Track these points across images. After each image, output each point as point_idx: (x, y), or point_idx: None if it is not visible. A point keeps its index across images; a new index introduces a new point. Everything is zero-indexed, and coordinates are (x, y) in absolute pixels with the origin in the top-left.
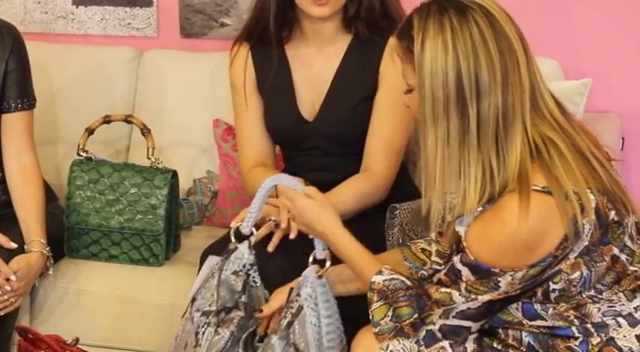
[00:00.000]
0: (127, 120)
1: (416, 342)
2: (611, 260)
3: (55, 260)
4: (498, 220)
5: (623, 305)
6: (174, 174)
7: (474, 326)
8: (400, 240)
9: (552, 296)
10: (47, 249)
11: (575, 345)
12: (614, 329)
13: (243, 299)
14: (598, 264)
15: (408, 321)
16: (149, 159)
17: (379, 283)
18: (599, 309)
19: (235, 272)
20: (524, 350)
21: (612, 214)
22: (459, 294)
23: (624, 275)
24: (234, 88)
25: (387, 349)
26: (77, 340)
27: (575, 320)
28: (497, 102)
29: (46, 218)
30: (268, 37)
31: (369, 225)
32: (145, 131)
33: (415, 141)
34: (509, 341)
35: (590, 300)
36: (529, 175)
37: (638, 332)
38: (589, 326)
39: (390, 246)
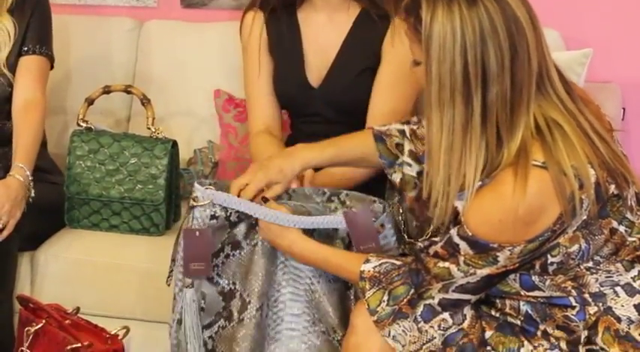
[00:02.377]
0: (127, 90)
1: (414, 320)
2: (610, 232)
3: (55, 230)
4: (497, 196)
5: (621, 275)
6: (174, 143)
7: (473, 298)
8: (400, 210)
9: (550, 268)
10: (27, 174)
11: (573, 314)
12: (611, 299)
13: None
14: (596, 237)
15: (405, 300)
16: (149, 129)
17: (369, 271)
18: (597, 279)
19: (213, 217)
20: (522, 318)
21: (612, 188)
22: (458, 269)
23: (623, 246)
24: (248, 52)
25: (389, 335)
26: (78, 309)
27: (573, 291)
28: (505, 90)
29: (48, 187)
30: (282, 3)
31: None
32: (145, 101)
33: (420, 103)
34: (507, 309)
35: (587, 272)
36: (529, 152)
37: (636, 302)
38: (586, 295)
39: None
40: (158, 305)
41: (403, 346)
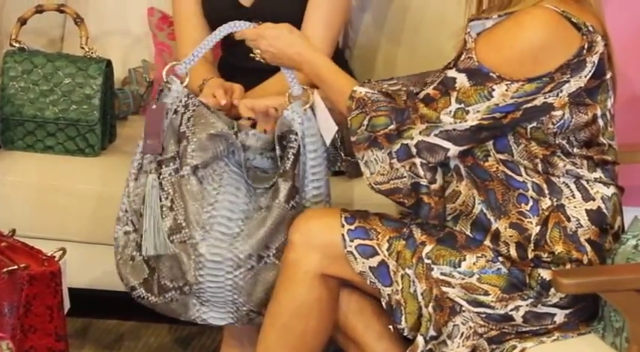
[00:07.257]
0: (60, 9)
1: (388, 154)
2: (592, 118)
3: None
4: (517, 24)
5: (585, 171)
6: (109, 63)
7: (453, 149)
8: None
9: (529, 127)
10: None
11: (527, 210)
12: (566, 198)
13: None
14: (580, 114)
15: (382, 132)
16: (83, 48)
17: (361, 92)
18: (565, 165)
19: (175, 112)
20: (475, 217)
21: (608, 75)
22: (448, 114)
23: (595, 143)
24: None
25: (362, 159)
26: (14, 231)
27: (539, 164)
28: None
29: None
30: None
31: None
32: (79, 20)
33: (352, 26)
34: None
35: (559, 149)
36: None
37: (588, 207)
38: (544, 186)
39: None
40: (94, 226)
41: (372, 173)
